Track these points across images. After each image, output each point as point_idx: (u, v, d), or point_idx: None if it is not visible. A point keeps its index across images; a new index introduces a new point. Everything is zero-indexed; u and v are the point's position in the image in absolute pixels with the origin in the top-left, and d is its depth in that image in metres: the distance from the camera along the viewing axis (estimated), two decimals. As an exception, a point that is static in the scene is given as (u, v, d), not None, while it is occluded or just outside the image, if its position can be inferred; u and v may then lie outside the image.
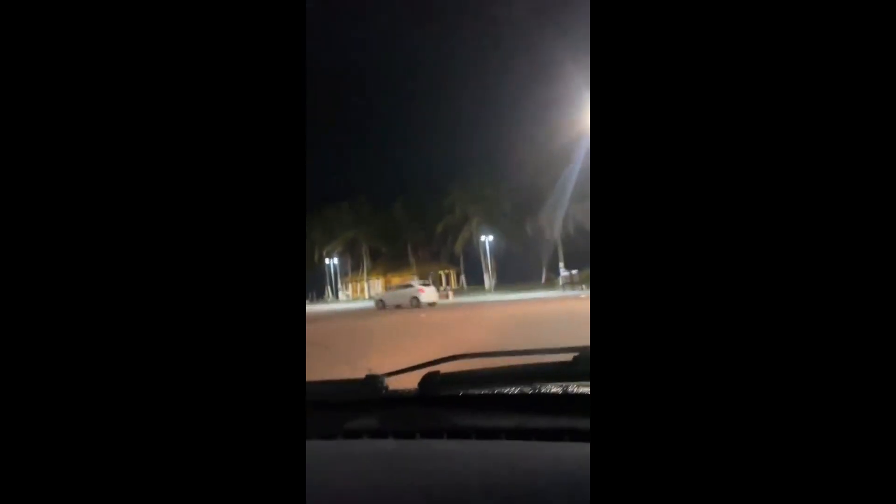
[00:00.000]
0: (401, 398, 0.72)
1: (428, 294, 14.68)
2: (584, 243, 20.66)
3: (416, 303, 14.06)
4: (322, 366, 4.05)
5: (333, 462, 0.58)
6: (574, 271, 18.24)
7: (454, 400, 0.69)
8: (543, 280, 23.01)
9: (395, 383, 0.75)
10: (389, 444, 0.62)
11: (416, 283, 15.68)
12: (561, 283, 18.33)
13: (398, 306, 14.03)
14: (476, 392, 0.68)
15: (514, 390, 0.65)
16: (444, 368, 0.74)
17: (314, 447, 0.54)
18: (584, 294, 10.68)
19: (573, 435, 0.54)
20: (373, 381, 0.74)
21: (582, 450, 0.44)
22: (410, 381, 0.73)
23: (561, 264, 20.40)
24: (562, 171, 20.61)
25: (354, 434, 0.67)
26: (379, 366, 0.91)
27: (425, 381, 0.72)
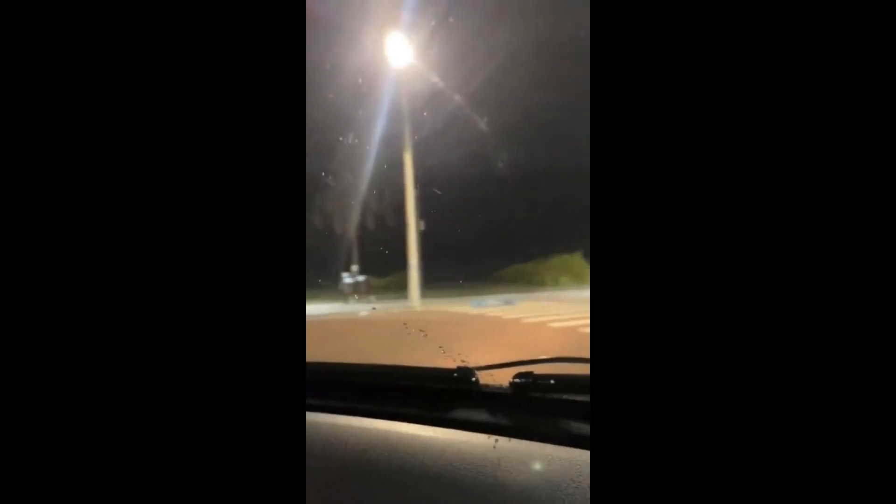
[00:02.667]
0: (491, 393, 0.72)
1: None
2: (387, 242, 16.59)
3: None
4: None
5: (418, 447, 0.61)
6: (361, 277, 13.60)
7: (548, 403, 0.67)
8: (340, 286, 18.05)
9: (486, 378, 0.74)
10: (478, 439, 0.62)
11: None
12: (346, 290, 13.43)
13: None
14: (572, 398, 0.65)
15: None
16: (539, 370, 0.72)
17: (398, 429, 0.66)
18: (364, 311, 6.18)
19: None
20: (464, 373, 0.75)
21: None
22: (503, 377, 0.72)
23: (354, 267, 15.51)
24: (357, 150, 15.75)
25: (442, 422, 0.67)
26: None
27: (518, 379, 0.70)
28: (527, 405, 0.68)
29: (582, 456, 0.52)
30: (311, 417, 0.76)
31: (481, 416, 0.68)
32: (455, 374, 0.75)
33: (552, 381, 0.69)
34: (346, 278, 14.12)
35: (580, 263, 17.89)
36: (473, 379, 0.73)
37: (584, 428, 0.61)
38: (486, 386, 0.73)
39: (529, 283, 16.19)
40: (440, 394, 0.76)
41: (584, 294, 11.10)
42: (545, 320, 6.40)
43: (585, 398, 0.64)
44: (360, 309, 10.12)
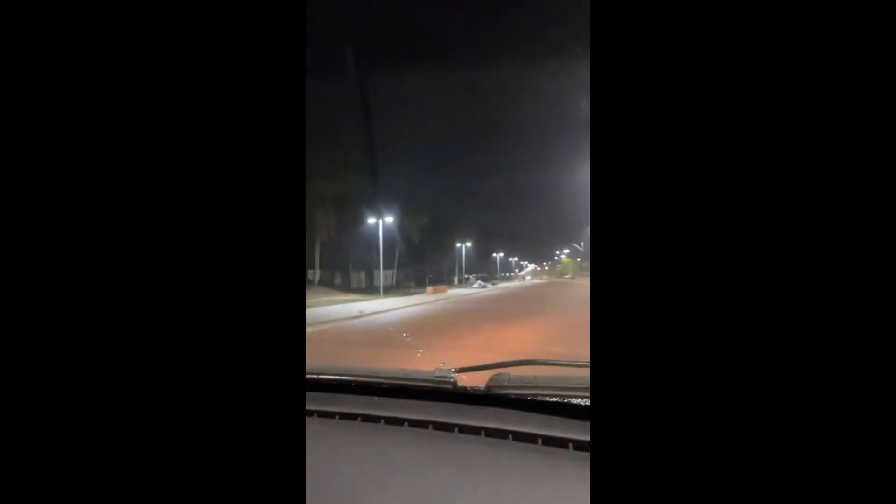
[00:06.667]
0: (469, 394, 0.75)
1: None
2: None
3: None
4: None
5: (391, 447, 0.62)
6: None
7: (522, 403, 0.70)
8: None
9: (463, 380, 0.78)
10: (453, 438, 0.63)
11: None
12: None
13: None
14: (546, 398, 0.69)
15: (585, 401, 0.66)
16: (515, 371, 0.77)
17: (374, 430, 0.67)
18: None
19: None
20: (442, 375, 0.78)
21: None
22: (479, 379, 0.76)
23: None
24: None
25: (419, 424, 0.68)
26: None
27: (494, 380, 0.74)
28: (502, 404, 0.71)
29: (556, 453, 0.55)
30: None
31: (460, 417, 0.70)
32: (432, 378, 0.78)
33: (529, 382, 0.73)
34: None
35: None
36: (450, 381, 0.76)
37: (558, 426, 0.63)
38: (464, 388, 0.76)
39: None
40: (413, 395, 0.77)
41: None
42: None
43: (558, 397, 0.68)
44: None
